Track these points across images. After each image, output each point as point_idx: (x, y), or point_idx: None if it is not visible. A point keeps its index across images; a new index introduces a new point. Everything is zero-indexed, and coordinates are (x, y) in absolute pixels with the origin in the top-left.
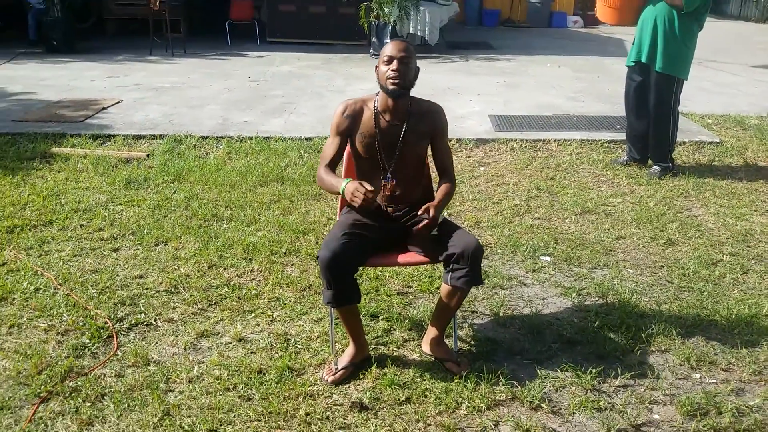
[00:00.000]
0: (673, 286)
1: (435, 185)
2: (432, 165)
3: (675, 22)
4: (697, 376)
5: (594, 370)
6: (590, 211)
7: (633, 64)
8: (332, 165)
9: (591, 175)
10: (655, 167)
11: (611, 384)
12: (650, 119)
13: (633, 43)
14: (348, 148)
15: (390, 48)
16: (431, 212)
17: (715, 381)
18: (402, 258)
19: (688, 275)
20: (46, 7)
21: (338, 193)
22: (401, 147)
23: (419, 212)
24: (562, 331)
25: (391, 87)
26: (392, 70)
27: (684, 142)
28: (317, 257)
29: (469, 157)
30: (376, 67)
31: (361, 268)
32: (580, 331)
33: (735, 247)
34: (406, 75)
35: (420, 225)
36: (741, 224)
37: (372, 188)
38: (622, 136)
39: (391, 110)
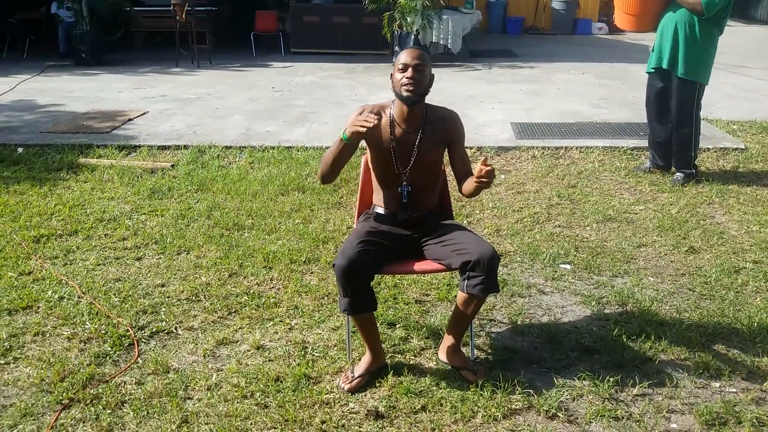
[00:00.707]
0: (694, 294)
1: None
2: (450, 172)
3: (696, 27)
4: (717, 385)
5: (612, 379)
6: (612, 218)
7: (653, 70)
8: None
9: (613, 183)
10: (678, 174)
11: (629, 393)
12: (672, 125)
13: (653, 50)
14: (366, 157)
15: (405, 56)
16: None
17: (735, 390)
18: (418, 266)
19: (710, 283)
20: (75, 21)
21: (342, 142)
22: (416, 154)
23: (480, 164)
24: (581, 340)
25: (405, 94)
26: (407, 78)
27: (708, 149)
28: (333, 265)
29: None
30: (391, 74)
31: (378, 276)
32: (599, 339)
33: (758, 254)
34: (421, 82)
35: (484, 171)
36: (765, 231)
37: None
38: (645, 142)
39: (406, 118)
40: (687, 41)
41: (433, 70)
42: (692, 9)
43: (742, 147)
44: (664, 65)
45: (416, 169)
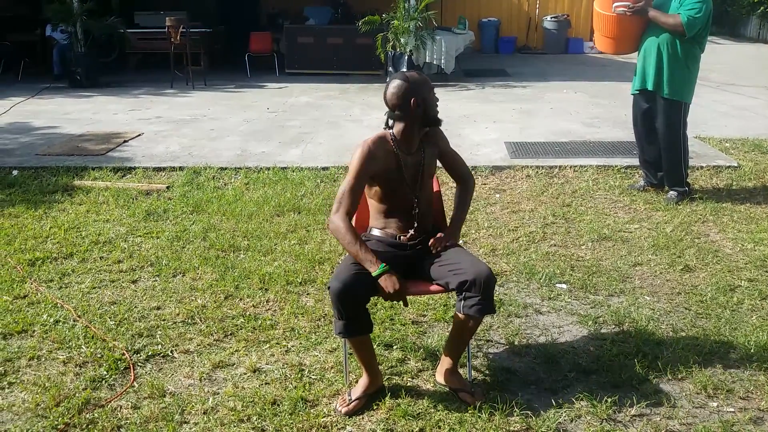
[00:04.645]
0: (690, 313)
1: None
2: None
3: (678, 47)
4: (714, 404)
5: (609, 400)
6: (607, 237)
7: (637, 92)
8: (351, 214)
9: (608, 201)
10: (671, 192)
11: (627, 413)
12: (660, 145)
13: (635, 72)
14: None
15: None
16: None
17: (732, 410)
18: (414, 287)
19: (706, 302)
20: (70, 43)
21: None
22: (422, 173)
23: (437, 240)
24: (578, 360)
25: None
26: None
27: (701, 167)
28: (328, 288)
29: (484, 184)
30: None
31: (374, 297)
32: (596, 359)
33: (753, 272)
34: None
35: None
36: (760, 249)
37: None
38: (638, 161)
39: (410, 141)
40: (671, 62)
41: None
42: (674, 30)
43: (735, 165)
44: (649, 86)
45: (424, 188)
